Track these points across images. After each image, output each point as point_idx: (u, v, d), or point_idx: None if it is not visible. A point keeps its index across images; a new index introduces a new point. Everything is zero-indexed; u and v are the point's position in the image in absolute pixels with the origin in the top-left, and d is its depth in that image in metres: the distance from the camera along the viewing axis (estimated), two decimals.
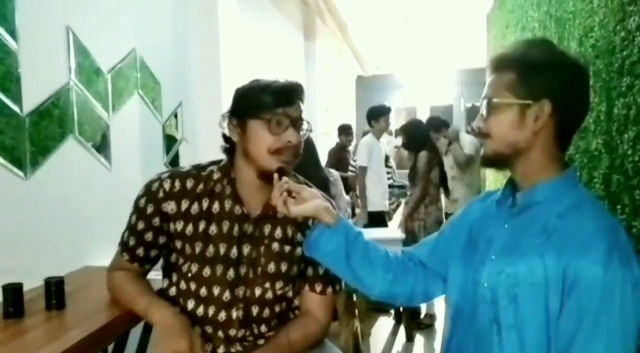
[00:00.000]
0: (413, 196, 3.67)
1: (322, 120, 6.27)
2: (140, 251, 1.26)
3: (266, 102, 1.16)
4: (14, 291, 1.29)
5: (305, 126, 1.22)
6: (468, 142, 4.48)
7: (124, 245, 1.27)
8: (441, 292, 1.17)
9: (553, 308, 0.90)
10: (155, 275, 1.34)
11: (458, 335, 1.08)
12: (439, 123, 4.66)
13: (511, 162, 1.00)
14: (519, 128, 0.96)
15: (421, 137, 3.78)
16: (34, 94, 1.66)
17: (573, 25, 2.11)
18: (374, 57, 9.62)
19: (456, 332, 1.08)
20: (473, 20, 6.43)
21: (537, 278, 0.91)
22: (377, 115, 4.09)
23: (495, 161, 1.02)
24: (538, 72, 0.95)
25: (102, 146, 2.04)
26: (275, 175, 1.12)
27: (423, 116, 11.14)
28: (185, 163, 2.74)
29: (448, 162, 4.38)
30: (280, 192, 1.08)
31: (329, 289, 1.30)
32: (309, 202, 1.10)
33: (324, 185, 2.69)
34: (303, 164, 2.70)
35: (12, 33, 1.57)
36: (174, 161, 2.69)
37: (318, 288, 1.29)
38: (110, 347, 1.46)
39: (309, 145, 2.99)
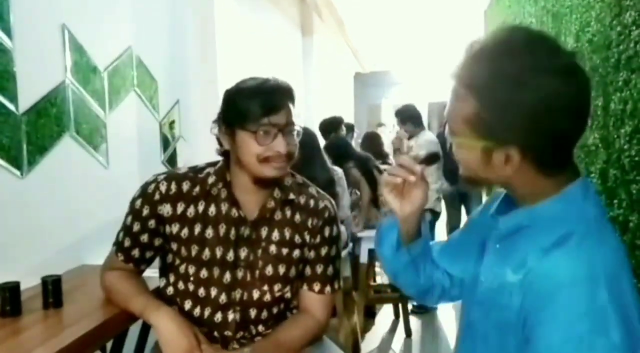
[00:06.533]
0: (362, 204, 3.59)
1: (320, 117, 6.25)
2: (135, 252, 1.26)
3: (252, 113, 1.13)
4: (11, 290, 1.28)
5: (297, 129, 1.20)
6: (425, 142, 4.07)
7: (119, 246, 1.27)
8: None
9: (514, 347, 0.78)
10: (152, 273, 1.33)
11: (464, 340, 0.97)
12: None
13: (492, 185, 0.86)
14: (487, 168, 0.78)
15: (341, 150, 3.65)
16: (30, 92, 1.65)
17: (570, 20, 2.11)
18: (372, 53, 9.62)
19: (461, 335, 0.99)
20: (471, 16, 6.43)
21: (506, 318, 0.79)
22: (336, 126, 4.20)
23: (474, 184, 0.86)
24: (503, 111, 0.73)
25: (99, 144, 2.04)
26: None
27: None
28: (182, 161, 2.74)
29: None
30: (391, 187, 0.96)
31: (328, 288, 1.30)
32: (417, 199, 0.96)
33: (329, 184, 2.69)
34: (310, 163, 2.71)
35: (7, 31, 1.56)
36: (172, 159, 2.68)
37: (316, 287, 1.29)
38: (109, 345, 1.47)
39: (315, 145, 2.98)
